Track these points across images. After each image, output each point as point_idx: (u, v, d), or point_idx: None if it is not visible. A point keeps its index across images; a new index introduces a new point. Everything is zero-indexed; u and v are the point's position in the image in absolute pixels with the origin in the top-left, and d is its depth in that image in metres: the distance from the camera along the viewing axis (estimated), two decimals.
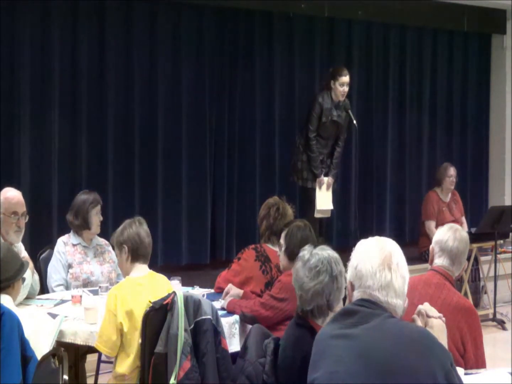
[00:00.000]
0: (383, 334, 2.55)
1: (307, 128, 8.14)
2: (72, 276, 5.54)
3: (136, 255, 4.56)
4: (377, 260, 2.68)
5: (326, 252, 3.78)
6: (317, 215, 8.12)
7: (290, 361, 3.53)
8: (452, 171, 9.08)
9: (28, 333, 4.06)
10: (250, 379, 3.62)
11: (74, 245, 5.65)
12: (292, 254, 4.98)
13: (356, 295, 2.69)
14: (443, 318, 3.10)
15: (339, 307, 3.66)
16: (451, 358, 2.60)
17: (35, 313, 4.67)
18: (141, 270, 4.57)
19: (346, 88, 8.09)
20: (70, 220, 5.71)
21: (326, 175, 8.22)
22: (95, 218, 5.68)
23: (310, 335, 3.60)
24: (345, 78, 8.06)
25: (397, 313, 2.65)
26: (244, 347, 3.79)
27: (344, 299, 5.18)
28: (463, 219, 9.26)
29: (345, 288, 3.73)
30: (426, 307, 3.11)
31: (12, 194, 5.15)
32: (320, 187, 8.16)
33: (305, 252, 3.83)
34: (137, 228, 4.59)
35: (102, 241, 5.81)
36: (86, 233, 5.68)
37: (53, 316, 4.66)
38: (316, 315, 3.71)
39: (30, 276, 4.98)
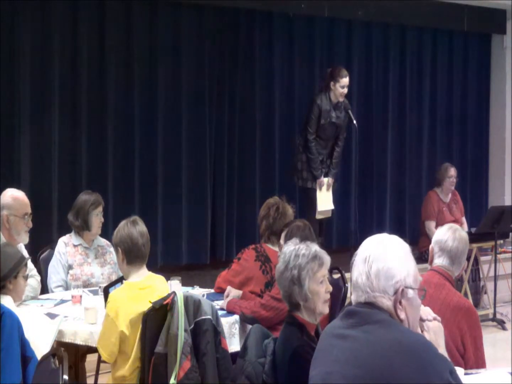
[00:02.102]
0: (381, 341, 2.52)
1: (306, 130, 8.13)
2: (72, 278, 5.53)
3: (130, 257, 4.45)
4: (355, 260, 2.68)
5: (299, 245, 3.81)
6: (318, 216, 8.11)
7: (280, 358, 3.55)
8: (452, 171, 9.09)
9: (28, 333, 4.06)
10: (250, 379, 3.62)
11: (75, 245, 5.64)
12: None
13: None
14: (439, 318, 3.09)
15: (311, 303, 3.68)
16: (451, 367, 2.56)
17: (35, 313, 4.67)
18: (140, 273, 4.48)
19: (346, 90, 8.09)
20: (71, 220, 5.69)
21: (326, 175, 8.21)
22: (96, 219, 5.66)
23: (299, 332, 3.62)
24: (346, 80, 8.06)
25: (388, 307, 2.58)
26: (244, 347, 3.79)
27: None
28: (463, 219, 9.26)
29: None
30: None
31: (22, 194, 5.18)
32: (320, 188, 8.16)
33: (287, 243, 3.91)
34: (129, 229, 4.45)
35: (104, 241, 5.77)
36: (86, 234, 5.67)
37: (53, 316, 4.66)
38: (293, 308, 3.74)
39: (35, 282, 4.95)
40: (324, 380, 2.58)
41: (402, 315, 2.61)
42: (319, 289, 3.74)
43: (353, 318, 2.61)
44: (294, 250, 3.76)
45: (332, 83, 8.07)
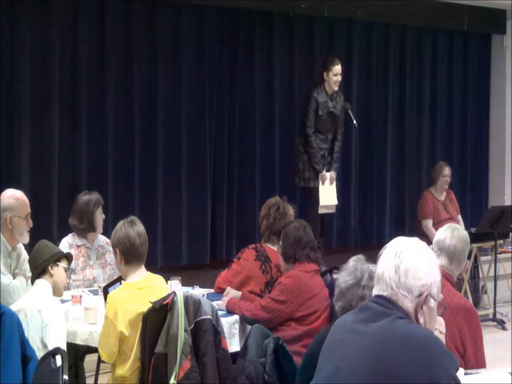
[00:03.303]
0: (390, 336, 2.52)
1: (305, 125, 8.14)
2: (75, 282, 5.51)
3: (128, 258, 4.44)
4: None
5: (371, 266, 3.81)
6: (321, 210, 8.11)
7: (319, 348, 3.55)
8: (447, 170, 9.07)
9: (50, 319, 4.16)
10: (251, 379, 3.63)
11: (78, 246, 5.62)
12: (286, 256, 5.01)
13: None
14: (443, 330, 3.08)
15: None
16: (458, 364, 2.57)
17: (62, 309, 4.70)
18: (139, 273, 4.47)
19: (339, 78, 8.11)
20: (74, 224, 5.62)
21: (327, 170, 8.22)
22: (99, 218, 5.66)
23: None
24: (338, 67, 8.09)
25: (407, 309, 2.59)
26: (244, 347, 3.79)
27: None
28: (459, 218, 9.24)
29: None
30: None
31: (22, 194, 5.16)
32: (323, 183, 8.16)
33: (354, 258, 3.92)
34: (127, 229, 4.45)
35: (103, 240, 5.77)
36: (91, 234, 5.66)
37: None
38: None
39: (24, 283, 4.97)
40: (333, 375, 2.59)
41: (421, 320, 2.61)
42: None
43: (365, 313, 2.61)
44: (368, 269, 3.77)
45: (325, 73, 8.11)
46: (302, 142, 8.19)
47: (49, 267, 4.44)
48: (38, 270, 4.45)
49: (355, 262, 3.85)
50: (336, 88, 8.16)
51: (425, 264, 2.62)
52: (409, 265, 2.59)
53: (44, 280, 4.43)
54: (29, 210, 5.12)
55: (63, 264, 4.51)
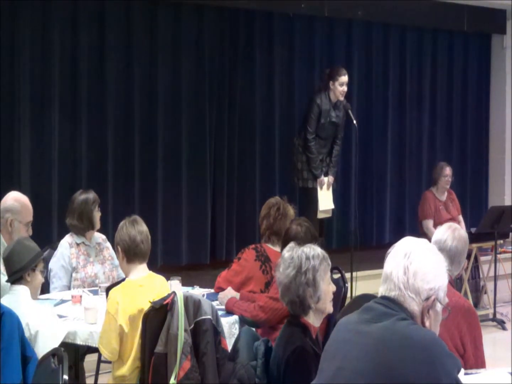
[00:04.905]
0: (392, 337, 2.52)
1: (305, 130, 8.12)
2: (78, 281, 5.51)
3: (130, 256, 4.48)
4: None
5: (304, 248, 3.78)
6: (320, 215, 8.11)
7: (280, 357, 3.53)
8: (447, 170, 9.07)
9: (40, 327, 4.10)
10: (242, 382, 3.61)
11: (77, 244, 5.62)
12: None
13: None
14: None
15: (322, 304, 3.69)
16: (460, 366, 2.57)
17: (48, 309, 4.66)
18: (140, 271, 4.51)
19: (345, 88, 8.09)
20: (73, 224, 5.59)
21: (326, 174, 8.22)
22: (97, 215, 5.68)
23: (301, 331, 3.62)
24: (345, 78, 8.06)
25: (413, 311, 2.59)
26: (234, 350, 3.78)
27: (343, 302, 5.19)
28: (460, 218, 9.24)
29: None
30: None
31: (27, 200, 5.08)
32: (321, 188, 8.16)
33: (287, 248, 3.86)
34: (128, 228, 4.49)
35: (99, 237, 5.78)
36: (89, 232, 5.67)
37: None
38: (300, 313, 3.72)
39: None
40: (335, 375, 2.59)
41: (427, 323, 2.61)
42: (329, 289, 3.77)
43: (369, 314, 2.61)
44: (303, 253, 3.74)
45: (331, 82, 8.07)
46: (302, 143, 8.18)
47: (26, 274, 4.33)
48: (15, 277, 4.31)
49: (289, 253, 3.78)
50: (341, 99, 8.13)
51: (435, 267, 2.61)
52: (419, 267, 2.59)
53: (24, 286, 4.31)
54: (31, 218, 5.06)
55: (39, 268, 4.41)
